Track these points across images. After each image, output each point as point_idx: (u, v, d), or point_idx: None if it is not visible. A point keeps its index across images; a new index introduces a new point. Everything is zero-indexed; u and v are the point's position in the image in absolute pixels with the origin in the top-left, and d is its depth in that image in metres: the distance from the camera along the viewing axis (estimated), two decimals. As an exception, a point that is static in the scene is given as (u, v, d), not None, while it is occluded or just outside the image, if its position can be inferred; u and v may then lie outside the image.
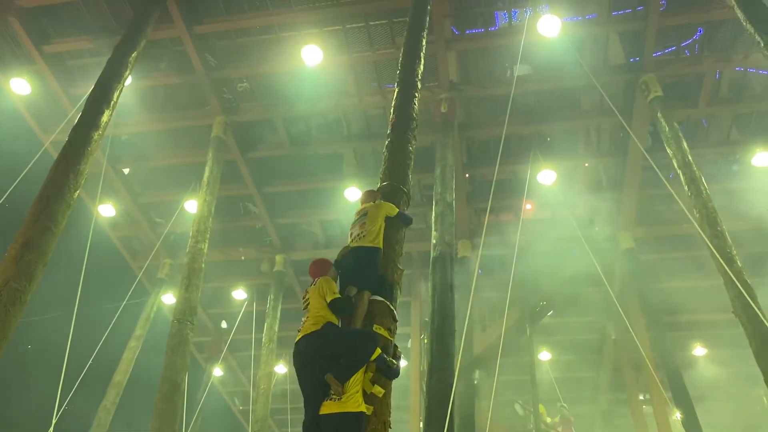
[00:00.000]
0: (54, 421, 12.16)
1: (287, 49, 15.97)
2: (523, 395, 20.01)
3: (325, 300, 5.46)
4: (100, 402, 18.20)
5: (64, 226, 9.62)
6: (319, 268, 5.97)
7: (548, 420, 18.25)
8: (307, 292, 5.72)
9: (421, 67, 9.91)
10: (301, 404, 5.13)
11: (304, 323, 5.46)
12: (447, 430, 9.35)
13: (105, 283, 18.85)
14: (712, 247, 11.53)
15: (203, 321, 23.23)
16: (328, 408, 4.84)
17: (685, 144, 13.92)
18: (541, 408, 18.22)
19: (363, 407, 4.83)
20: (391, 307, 5.91)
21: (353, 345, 5.19)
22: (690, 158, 13.62)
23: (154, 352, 16.84)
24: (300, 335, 5.41)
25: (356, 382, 4.91)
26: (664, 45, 16.16)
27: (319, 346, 5.28)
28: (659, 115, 14.78)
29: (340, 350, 5.17)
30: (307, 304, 5.57)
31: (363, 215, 6.46)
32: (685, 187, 13.26)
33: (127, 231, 21.22)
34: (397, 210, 6.68)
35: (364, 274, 5.87)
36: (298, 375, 5.38)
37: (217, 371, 24.03)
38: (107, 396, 18.34)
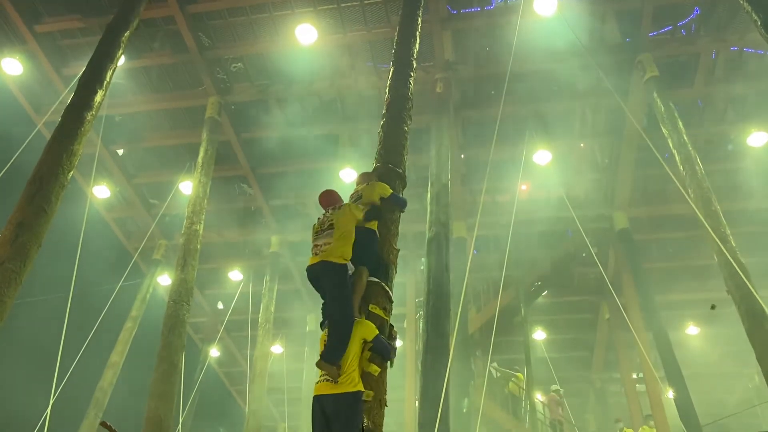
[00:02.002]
0: (51, 402, 12.22)
1: (281, 28, 15.84)
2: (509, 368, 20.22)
3: (352, 224, 5.69)
4: (97, 382, 18.30)
5: (59, 207, 9.58)
6: (329, 197, 6.12)
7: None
8: (325, 217, 5.84)
9: (417, 46, 9.83)
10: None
11: (322, 246, 5.54)
12: (442, 408, 9.44)
13: (100, 264, 18.84)
14: (707, 225, 11.59)
15: (199, 302, 23.29)
16: (323, 389, 4.85)
17: (680, 124, 13.93)
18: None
19: (360, 386, 4.85)
20: (387, 288, 5.92)
21: (336, 318, 5.22)
22: (685, 138, 13.64)
23: (150, 332, 16.89)
24: (318, 258, 5.51)
25: (353, 362, 4.93)
26: (661, 24, 16.08)
27: (323, 278, 5.47)
28: (655, 95, 14.77)
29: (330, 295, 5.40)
30: (329, 225, 5.67)
31: (357, 198, 6.44)
32: (680, 167, 13.30)
33: (122, 212, 21.18)
34: (391, 191, 6.63)
35: (360, 254, 5.85)
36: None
37: (214, 351, 24.16)
38: (104, 376, 18.43)
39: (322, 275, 5.50)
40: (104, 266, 19.26)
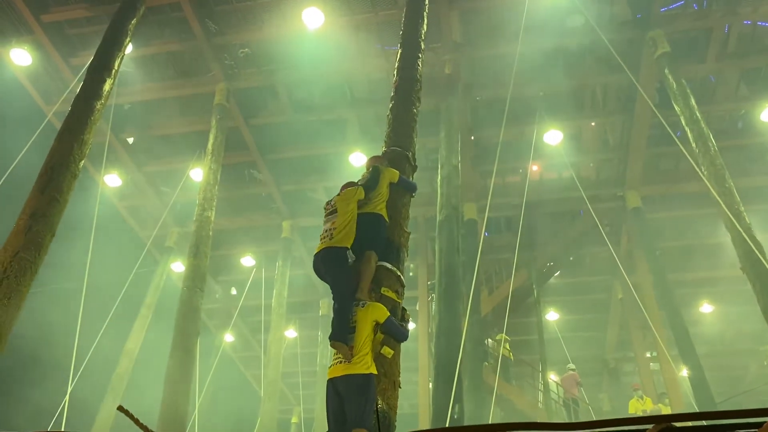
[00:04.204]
0: (69, 389, 12.39)
1: (288, 12, 15.74)
2: (531, 354, 20.21)
3: (354, 204, 5.83)
4: (113, 369, 18.50)
5: (71, 196, 9.64)
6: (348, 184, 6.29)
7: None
8: (330, 202, 6.02)
9: (425, 27, 9.74)
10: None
11: (328, 231, 5.73)
12: (455, 390, 9.49)
13: (114, 252, 18.95)
14: (721, 203, 11.49)
15: (213, 288, 23.45)
16: (336, 372, 4.90)
17: (692, 100, 13.76)
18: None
19: (373, 369, 4.88)
20: (399, 273, 5.91)
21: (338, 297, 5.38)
22: (698, 115, 13.48)
23: (165, 319, 17.03)
24: (321, 246, 5.68)
25: (366, 344, 4.96)
26: (672, -1, 15.87)
27: (330, 265, 5.60)
28: (666, 71, 14.58)
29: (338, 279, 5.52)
30: (333, 211, 5.86)
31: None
32: (693, 144, 13.16)
33: (134, 200, 21.28)
34: (399, 175, 6.57)
35: (370, 239, 5.85)
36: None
37: (228, 337, 24.35)
38: (120, 363, 18.63)
39: (324, 261, 5.62)
40: (117, 254, 19.39)
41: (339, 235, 5.61)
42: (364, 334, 5.00)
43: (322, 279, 5.76)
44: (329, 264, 5.59)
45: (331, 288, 5.54)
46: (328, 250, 5.61)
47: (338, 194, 6.04)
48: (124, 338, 19.02)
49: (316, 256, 5.70)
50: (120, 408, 2.14)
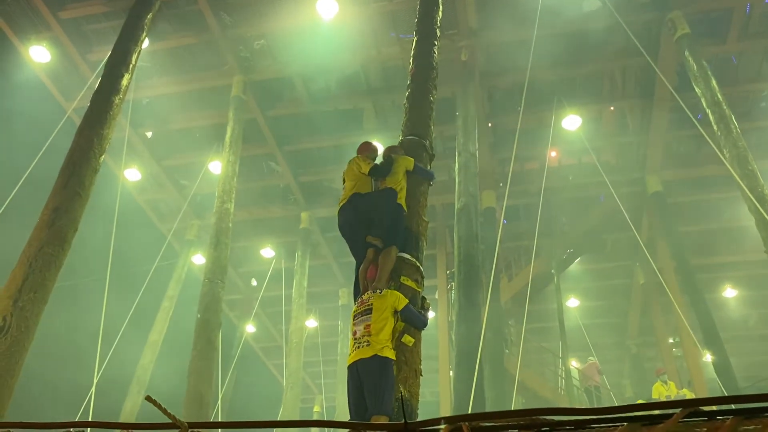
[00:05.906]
0: (95, 380, 12.58)
1: (302, 2, 15.70)
2: (552, 341, 20.14)
3: (361, 173, 6.25)
4: (138, 361, 18.77)
5: (92, 191, 9.76)
6: (361, 147, 6.79)
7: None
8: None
9: (440, 14, 9.66)
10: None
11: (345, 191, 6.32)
12: (477, 378, 9.49)
13: (135, 246, 19.17)
14: (744, 186, 11.33)
15: (233, 280, 23.63)
16: (356, 356, 4.94)
17: (713, 82, 13.53)
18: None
19: (391, 353, 4.91)
20: (418, 264, 5.90)
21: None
22: (719, 97, 13.26)
23: (187, 311, 17.22)
24: (346, 197, 6.20)
25: (387, 330, 4.98)
26: (691, -21, 15.56)
27: (361, 202, 6.11)
28: (686, 53, 14.34)
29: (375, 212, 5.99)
30: (342, 180, 6.46)
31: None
32: (714, 127, 12.96)
33: (154, 194, 21.48)
34: (413, 163, 6.52)
35: (389, 231, 5.85)
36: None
37: (250, 327, 24.56)
38: (144, 355, 18.89)
39: (354, 203, 6.13)
40: (139, 248, 19.61)
41: (356, 187, 6.15)
42: (381, 319, 5.02)
43: (347, 230, 6.18)
44: (363, 200, 6.07)
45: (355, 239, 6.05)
46: (354, 195, 6.13)
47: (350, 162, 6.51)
48: (147, 330, 19.26)
49: (344, 207, 6.17)
50: (148, 398, 2.18)
